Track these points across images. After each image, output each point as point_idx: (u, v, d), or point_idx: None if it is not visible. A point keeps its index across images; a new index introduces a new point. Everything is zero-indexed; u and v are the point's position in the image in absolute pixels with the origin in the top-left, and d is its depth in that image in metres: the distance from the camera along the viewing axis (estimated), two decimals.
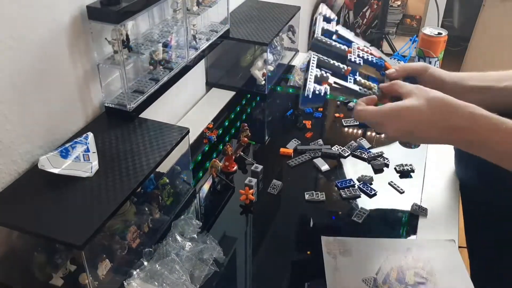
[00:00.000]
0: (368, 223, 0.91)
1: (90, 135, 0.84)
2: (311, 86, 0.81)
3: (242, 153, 1.08)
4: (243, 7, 1.45)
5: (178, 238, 0.83)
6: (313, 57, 0.87)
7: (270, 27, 1.32)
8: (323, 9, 1.01)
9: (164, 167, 0.90)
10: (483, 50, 2.64)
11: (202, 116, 1.23)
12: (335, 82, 0.84)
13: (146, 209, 0.86)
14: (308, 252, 0.85)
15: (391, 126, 0.74)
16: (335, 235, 0.89)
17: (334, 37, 0.94)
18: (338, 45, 0.90)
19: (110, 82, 0.92)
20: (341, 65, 0.86)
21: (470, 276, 0.79)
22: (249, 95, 1.34)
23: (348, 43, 0.93)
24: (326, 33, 0.94)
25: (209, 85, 1.38)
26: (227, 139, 1.15)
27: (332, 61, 0.87)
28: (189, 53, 1.07)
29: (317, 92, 0.80)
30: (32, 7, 0.75)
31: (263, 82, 1.34)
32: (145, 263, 0.78)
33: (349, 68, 0.86)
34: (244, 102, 1.31)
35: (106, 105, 0.93)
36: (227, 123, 1.21)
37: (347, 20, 2.65)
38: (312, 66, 0.85)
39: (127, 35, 0.86)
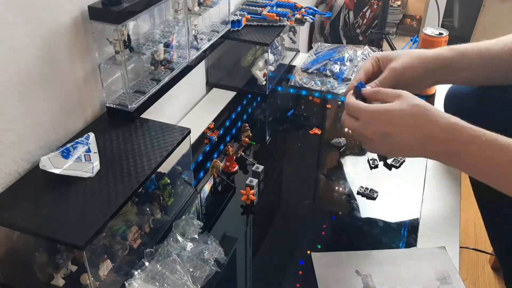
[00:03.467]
0: (369, 228, 0.91)
1: (91, 135, 0.84)
2: None
3: (243, 153, 1.08)
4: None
5: (179, 238, 0.83)
6: None
7: (271, 27, 1.32)
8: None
9: (165, 168, 0.90)
10: None
11: (203, 116, 1.23)
12: None
13: (147, 209, 0.86)
14: (308, 252, 0.85)
15: (369, 126, 0.71)
16: (334, 237, 0.89)
17: None
18: None
19: (111, 83, 0.92)
20: None
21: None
22: (250, 95, 1.34)
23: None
24: None
25: (210, 85, 1.38)
26: (228, 139, 1.15)
27: None
28: (190, 53, 1.07)
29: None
30: (33, 7, 0.75)
31: (264, 82, 1.34)
32: (146, 263, 0.78)
33: None
34: (245, 102, 1.31)
35: (108, 105, 0.93)
36: (228, 123, 1.21)
37: (347, 20, 2.65)
38: None
39: (128, 36, 0.86)
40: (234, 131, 1.18)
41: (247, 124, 1.12)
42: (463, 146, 0.66)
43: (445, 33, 1.27)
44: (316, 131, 1.18)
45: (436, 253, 0.83)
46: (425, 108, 0.69)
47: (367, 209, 0.95)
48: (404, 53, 0.81)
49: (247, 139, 1.10)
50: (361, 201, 0.96)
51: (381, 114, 0.70)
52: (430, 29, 1.29)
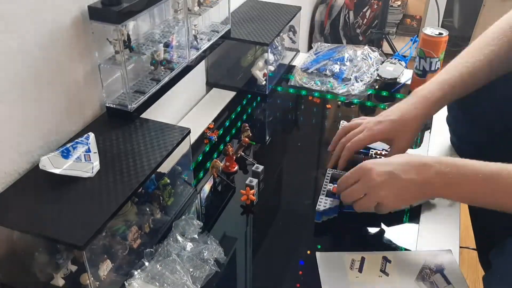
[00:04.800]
0: (369, 227, 0.91)
1: (91, 135, 0.84)
2: (322, 201, 0.91)
3: (243, 153, 1.08)
4: (243, 7, 1.45)
5: (179, 238, 0.83)
6: (328, 173, 0.97)
7: (271, 27, 1.32)
8: None
9: (165, 168, 0.90)
10: None
11: (203, 116, 1.23)
12: None
13: (147, 209, 0.86)
14: (308, 252, 0.85)
15: (373, 171, 0.79)
16: (335, 237, 0.89)
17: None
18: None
19: (111, 83, 0.92)
20: None
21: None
22: (249, 95, 1.34)
23: (366, 150, 1.01)
24: None
25: (210, 85, 1.38)
26: (228, 139, 1.15)
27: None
28: (190, 53, 1.07)
29: (328, 206, 0.89)
30: (33, 7, 0.75)
31: (264, 82, 1.34)
32: (146, 263, 0.78)
33: None
34: (244, 102, 1.31)
35: (107, 105, 0.93)
36: (227, 123, 1.21)
37: (347, 20, 2.65)
38: (326, 181, 0.95)
39: (128, 36, 0.86)
40: (234, 131, 1.18)
41: (247, 124, 1.12)
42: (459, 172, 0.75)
43: (445, 33, 1.27)
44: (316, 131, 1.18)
45: (443, 256, 0.82)
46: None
47: None
48: (401, 130, 0.90)
49: (247, 139, 1.10)
50: None
51: (379, 160, 0.82)
52: (430, 29, 1.29)
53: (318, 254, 0.84)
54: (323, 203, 0.90)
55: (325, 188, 0.94)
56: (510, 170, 0.72)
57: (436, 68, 1.29)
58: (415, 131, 0.91)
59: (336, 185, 0.90)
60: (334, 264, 0.82)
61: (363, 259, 0.82)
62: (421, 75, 1.30)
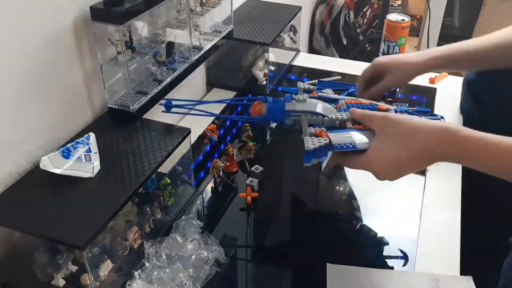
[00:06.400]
0: (368, 227, 0.91)
1: (92, 135, 0.84)
2: (309, 140, 0.77)
3: (245, 157, 1.07)
4: (244, 7, 1.45)
5: (179, 238, 0.83)
6: (304, 121, 0.84)
7: (272, 27, 1.32)
8: (300, 84, 0.99)
9: (165, 168, 0.90)
10: None
11: (203, 116, 1.23)
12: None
13: (148, 209, 0.86)
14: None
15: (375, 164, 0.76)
16: (335, 237, 0.89)
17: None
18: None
19: (113, 83, 0.92)
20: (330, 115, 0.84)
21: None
22: (250, 95, 1.33)
23: (335, 102, 0.90)
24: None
25: (210, 85, 1.38)
26: (229, 139, 1.15)
27: (324, 117, 0.84)
28: (192, 53, 1.07)
29: (318, 144, 0.76)
30: (34, 8, 0.75)
31: (264, 82, 1.33)
32: (147, 263, 0.78)
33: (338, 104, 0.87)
34: (245, 102, 1.31)
35: (109, 106, 0.93)
36: (228, 123, 1.21)
37: (348, 20, 2.65)
38: (304, 125, 0.83)
39: (130, 36, 0.86)
40: (234, 131, 1.18)
41: (247, 124, 1.12)
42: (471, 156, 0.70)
43: (407, 19, 1.38)
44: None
45: (462, 283, 0.78)
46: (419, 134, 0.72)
47: (367, 209, 0.95)
48: (396, 67, 0.95)
49: (251, 143, 1.09)
50: (361, 201, 0.97)
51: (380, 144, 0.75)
52: (394, 15, 1.41)
53: (328, 266, 0.81)
54: (311, 141, 0.76)
55: (306, 131, 0.81)
56: None
57: (394, 52, 1.37)
58: (410, 71, 0.95)
59: (319, 128, 0.80)
60: (344, 278, 0.79)
61: (377, 276, 0.80)
62: None
